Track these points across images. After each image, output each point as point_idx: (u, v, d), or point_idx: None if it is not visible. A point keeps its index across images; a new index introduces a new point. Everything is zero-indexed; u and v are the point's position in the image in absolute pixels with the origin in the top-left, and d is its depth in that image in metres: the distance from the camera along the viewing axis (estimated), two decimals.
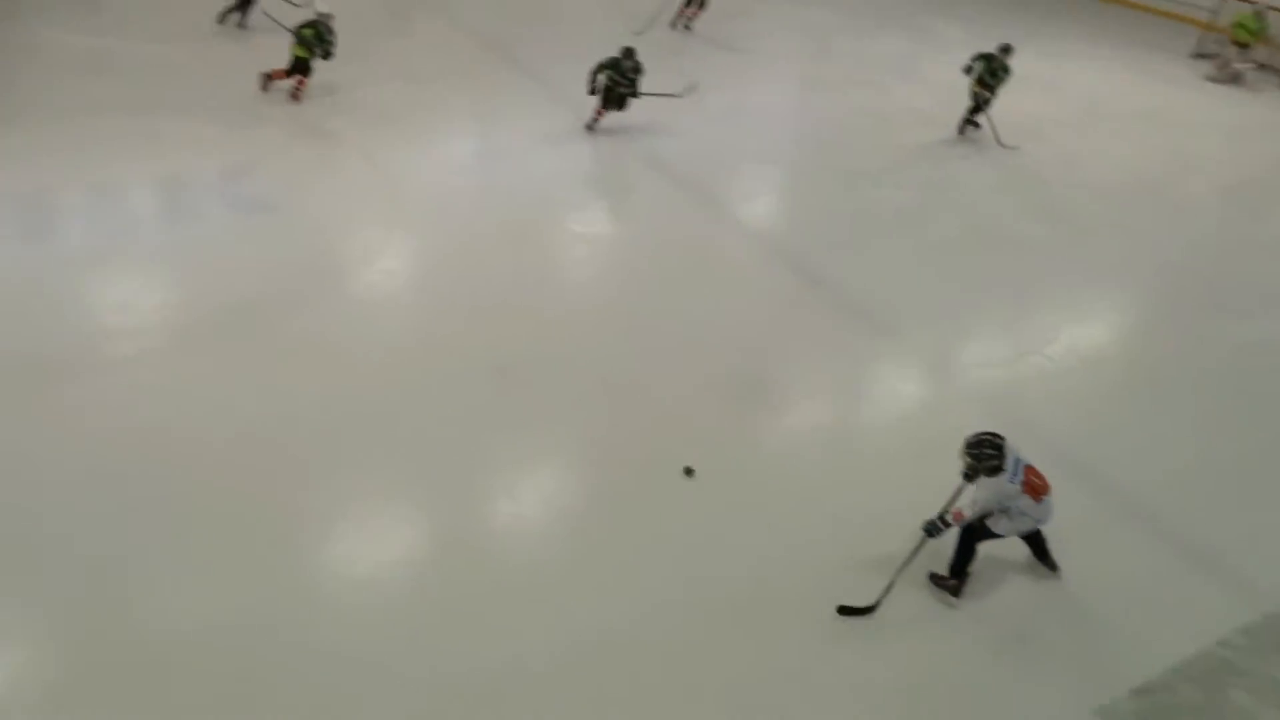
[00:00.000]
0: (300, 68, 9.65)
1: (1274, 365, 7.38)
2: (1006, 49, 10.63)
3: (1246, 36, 14.29)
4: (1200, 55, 15.20)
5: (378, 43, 11.59)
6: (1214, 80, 14.23)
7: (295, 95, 9.74)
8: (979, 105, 10.79)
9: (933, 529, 4.76)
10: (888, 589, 4.76)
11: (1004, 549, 5.05)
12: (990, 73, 10.63)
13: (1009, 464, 4.67)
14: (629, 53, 9.73)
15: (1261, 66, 14.45)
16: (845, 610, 4.75)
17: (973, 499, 4.69)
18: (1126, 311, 8.31)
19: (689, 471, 5.51)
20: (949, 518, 4.74)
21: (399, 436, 5.60)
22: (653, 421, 5.97)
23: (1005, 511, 4.76)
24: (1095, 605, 4.97)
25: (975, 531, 4.82)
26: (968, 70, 10.69)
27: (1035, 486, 4.74)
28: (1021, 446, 4.84)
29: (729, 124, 10.90)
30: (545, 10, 14.11)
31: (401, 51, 11.71)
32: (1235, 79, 14.21)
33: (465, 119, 10.40)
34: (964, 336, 7.45)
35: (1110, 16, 17.46)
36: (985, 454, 4.66)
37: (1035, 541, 5.06)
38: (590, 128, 9.98)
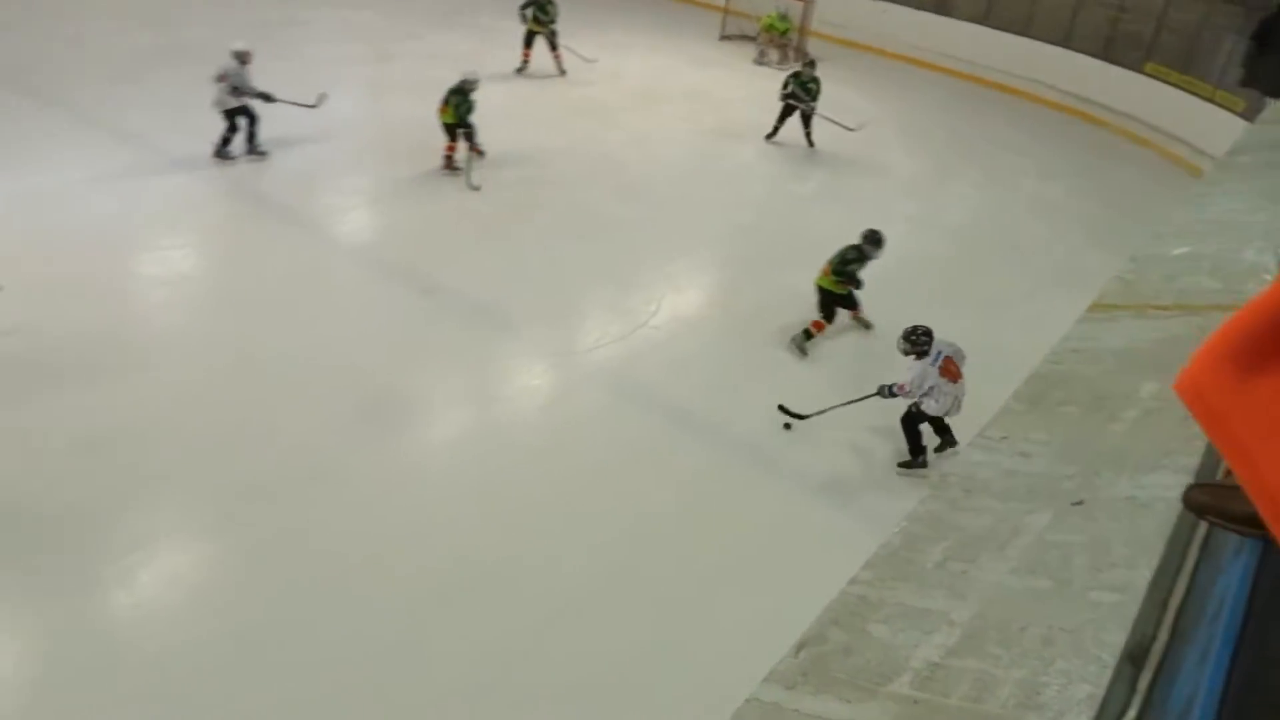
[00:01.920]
0: None
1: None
2: None
3: (778, 32, 16.68)
4: (725, 38, 17.22)
5: None
6: (757, 63, 16.34)
7: None
8: None
9: (884, 392, 6.28)
10: (824, 411, 6.30)
11: None
12: (802, 86, 11.89)
13: (933, 352, 6.20)
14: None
15: (791, 51, 16.81)
16: (784, 410, 6.51)
17: (908, 377, 6.17)
18: (712, 273, 9.20)
19: None
20: (895, 388, 6.23)
21: None
22: (286, 468, 5.54)
23: (929, 393, 6.16)
24: (750, 551, 5.52)
25: (913, 418, 6.33)
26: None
27: (950, 371, 6.21)
28: (651, 410, 5.19)
29: (304, 136, 10.36)
30: (57, 31, 12.37)
31: None
32: (769, 63, 16.45)
33: None
34: (578, 321, 7.80)
35: (645, 7, 19.00)
36: (919, 339, 6.26)
37: (940, 426, 6.46)
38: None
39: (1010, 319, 8.33)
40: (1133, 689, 1.27)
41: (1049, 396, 2.39)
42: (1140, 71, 14.98)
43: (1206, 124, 13.13)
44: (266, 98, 9.38)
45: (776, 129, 12.30)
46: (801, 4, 16.97)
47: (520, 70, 13.61)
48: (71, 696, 4.10)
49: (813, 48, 17.16)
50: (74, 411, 5.70)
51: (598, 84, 13.55)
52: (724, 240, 9.74)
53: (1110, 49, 15.72)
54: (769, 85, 15.10)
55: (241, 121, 9.35)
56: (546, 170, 10.45)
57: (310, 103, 9.78)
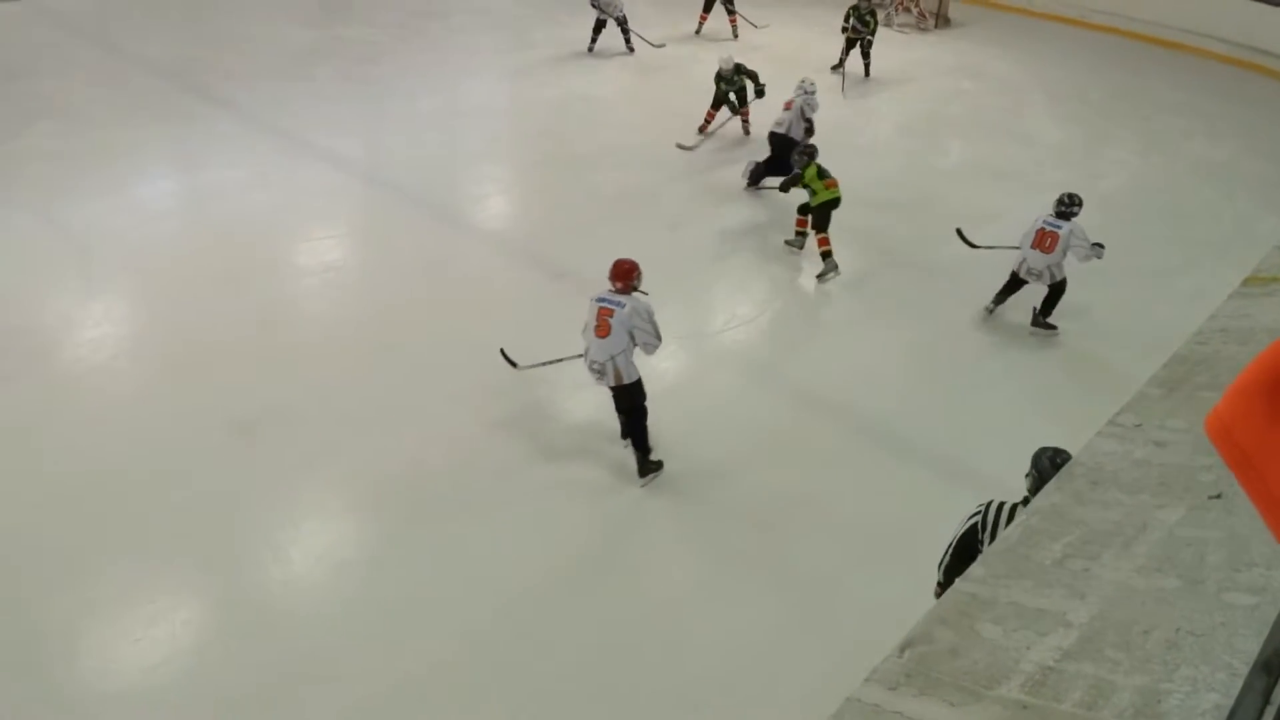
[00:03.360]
0: None
1: (979, 285, 8.25)
2: None
3: None
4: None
5: (24, 83, 10.40)
6: (886, 25, 15.75)
7: None
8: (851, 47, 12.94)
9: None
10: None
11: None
12: (860, 20, 12.77)
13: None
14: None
15: (930, 16, 16.20)
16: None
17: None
18: (844, 253, 8.99)
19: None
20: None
21: (149, 522, 5.09)
22: (420, 452, 5.79)
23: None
24: (875, 540, 5.41)
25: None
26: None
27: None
28: (781, 392, 5.10)
29: (446, 128, 10.74)
30: (226, 30, 13.22)
31: (59, 91, 10.56)
32: (903, 28, 15.97)
33: (155, 159, 9.54)
34: (707, 304, 7.78)
35: None
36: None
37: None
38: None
39: (1168, 292, 7.81)
40: (1266, 700, 1.18)
41: (1191, 380, 2.23)
42: None
43: None
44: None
45: (842, 60, 13.07)
46: None
47: (697, 31, 14.54)
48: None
49: (954, 12, 16.46)
50: (227, 395, 6.09)
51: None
52: (857, 217, 9.48)
53: None
54: (911, 55, 14.62)
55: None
56: (667, 155, 10.42)
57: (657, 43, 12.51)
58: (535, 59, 13.11)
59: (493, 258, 8.22)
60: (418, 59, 12.74)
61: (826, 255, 7.96)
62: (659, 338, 5.49)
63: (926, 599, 3.50)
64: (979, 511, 3.88)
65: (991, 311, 7.55)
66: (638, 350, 5.43)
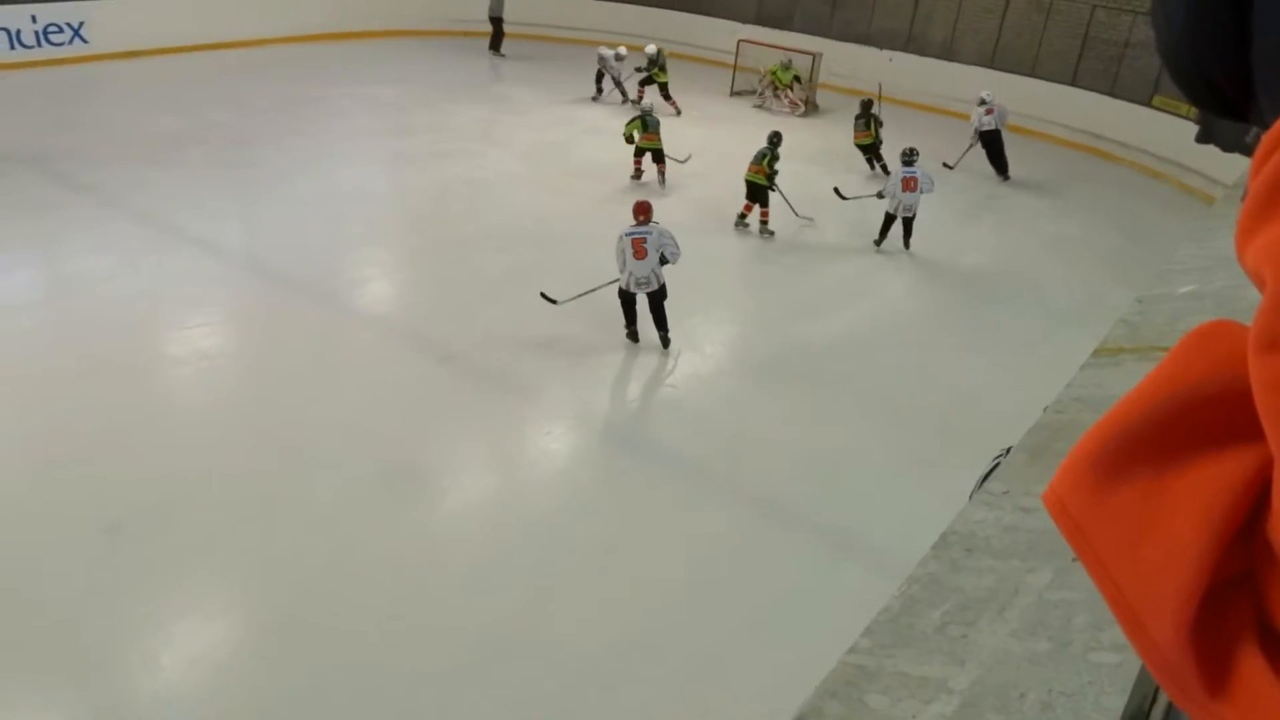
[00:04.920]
0: None
1: (854, 354, 8.56)
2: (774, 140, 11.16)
3: (781, 83, 17.08)
4: (737, 94, 17.53)
5: None
6: (756, 107, 17.04)
7: None
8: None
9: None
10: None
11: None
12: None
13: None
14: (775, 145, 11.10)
15: (801, 104, 17.20)
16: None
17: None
18: (726, 328, 9.21)
19: None
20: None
21: (3, 629, 4.69)
22: (307, 538, 5.56)
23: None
24: (751, 610, 5.44)
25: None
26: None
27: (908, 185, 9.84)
28: (669, 469, 5.15)
29: (326, 211, 10.59)
30: (90, 116, 12.80)
31: None
32: (769, 107, 16.98)
33: (10, 249, 9.04)
34: (596, 382, 7.80)
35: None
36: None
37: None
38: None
39: (1029, 362, 8.26)
40: None
41: (1051, 448, 2.36)
42: (1148, 105, 15.02)
43: (1218, 154, 13.08)
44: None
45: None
46: (810, 56, 17.25)
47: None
48: None
49: (822, 98, 17.38)
50: (99, 491, 5.75)
51: (605, 143, 13.76)
52: (737, 294, 9.78)
53: (1117, 85, 15.79)
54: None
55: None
56: (557, 231, 10.55)
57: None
58: (415, 143, 13.16)
59: (377, 342, 8.08)
60: (294, 142, 12.60)
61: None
62: (679, 249, 7.70)
63: (815, 673, 3.51)
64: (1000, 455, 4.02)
65: (878, 245, 10.79)
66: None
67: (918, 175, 10.53)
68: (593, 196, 11.70)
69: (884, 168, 13.37)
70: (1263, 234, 0.40)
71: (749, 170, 10.83)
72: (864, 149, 13.68)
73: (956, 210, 12.75)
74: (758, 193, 10.82)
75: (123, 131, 12.27)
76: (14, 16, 14.04)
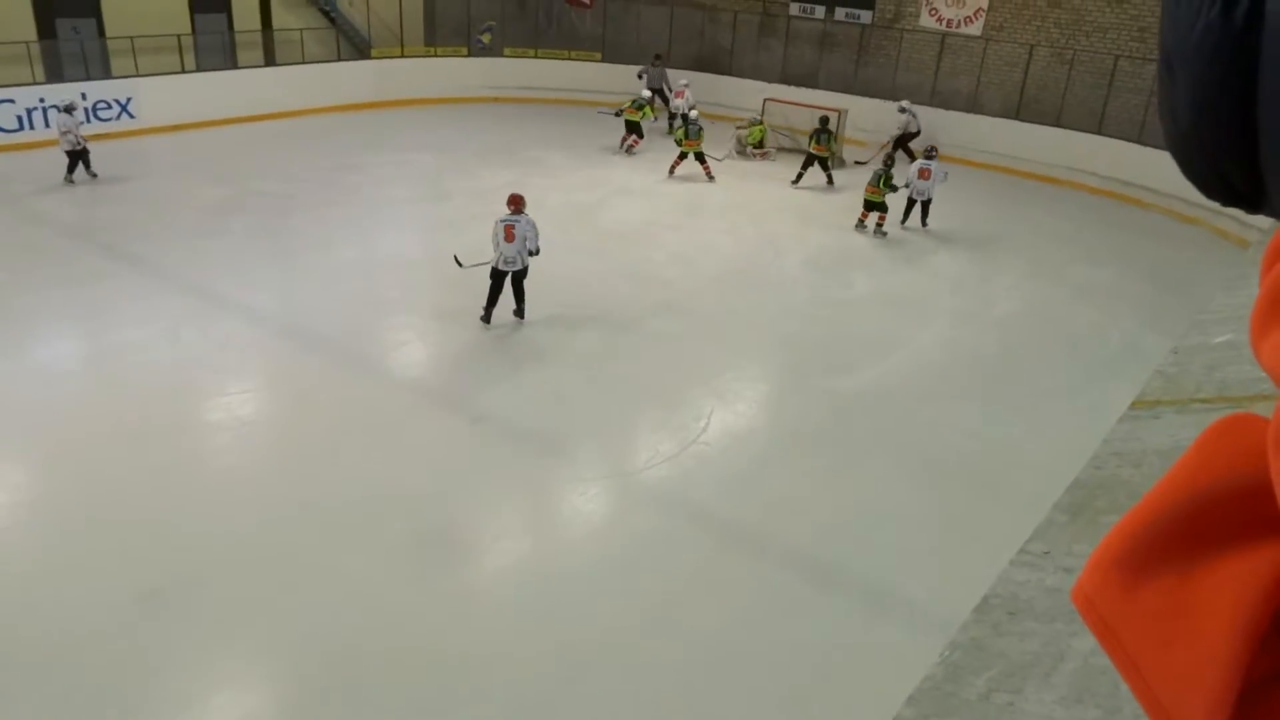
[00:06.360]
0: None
1: (887, 408, 8.51)
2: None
3: (753, 142, 17.59)
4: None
5: None
6: (731, 156, 17.35)
7: None
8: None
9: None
10: None
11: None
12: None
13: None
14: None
15: (773, 151, 17.76)
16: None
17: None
18: (759, 385, 9.21)
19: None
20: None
21: (44, 699, 4.72)
22: (343, 603, 5.57)
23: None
24: (789, 676, 5.35)
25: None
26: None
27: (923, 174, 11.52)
28: (705, 529, 5.11)
29: (364, 277, 10.79)
30: (136, 191, 13.22)
31: None
32: (747, 156, 17.55)
33: (57, 319, 9.33)
34: (628, 441, 7.81)
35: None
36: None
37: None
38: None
39: (1065, 414, 8.15)
40: None
41: (1091, 505, 2.32)
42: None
43: None
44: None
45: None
46: (836, 113, 17.43)
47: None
48: None
49: (848, 153, 17.51)
50: (138, 557, 5.82)
51: (636, 204, 13.94)
52: (771, 350, 9.78)
53: (1144, 132, 15.78)
54: (802, 195, 15.45)
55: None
56: (588, 292, 10.66)
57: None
58: (451, 208, 13.42)
59: (411, 405, 8.17)
60: (334, 211, 12.92)
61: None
62: (539, 240, 9.22)
63: None
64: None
65: (903, 225, 13.43)
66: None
67: (931, 167, 13.20)
68: (624, 256, 11.83)
69: (830, 179, 15.65)
70: (1276, 334, 0.40)
71: (867, 191, 13.10)
72: (819, 160, 15.48)
73: (985, 260, 12.73)
74: (876, 205, 13.07)
75: (167, 203, 12.66)
76: (66, 94, 14.60)
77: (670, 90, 18.98)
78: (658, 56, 19.77)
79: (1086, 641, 1.78)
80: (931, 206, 13.49)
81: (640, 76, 18.87)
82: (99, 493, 6.46)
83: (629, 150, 16.82)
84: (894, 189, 12.96)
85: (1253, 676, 0.41)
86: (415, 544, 6.16)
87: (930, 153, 13.62)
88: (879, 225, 13.29)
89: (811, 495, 7.00)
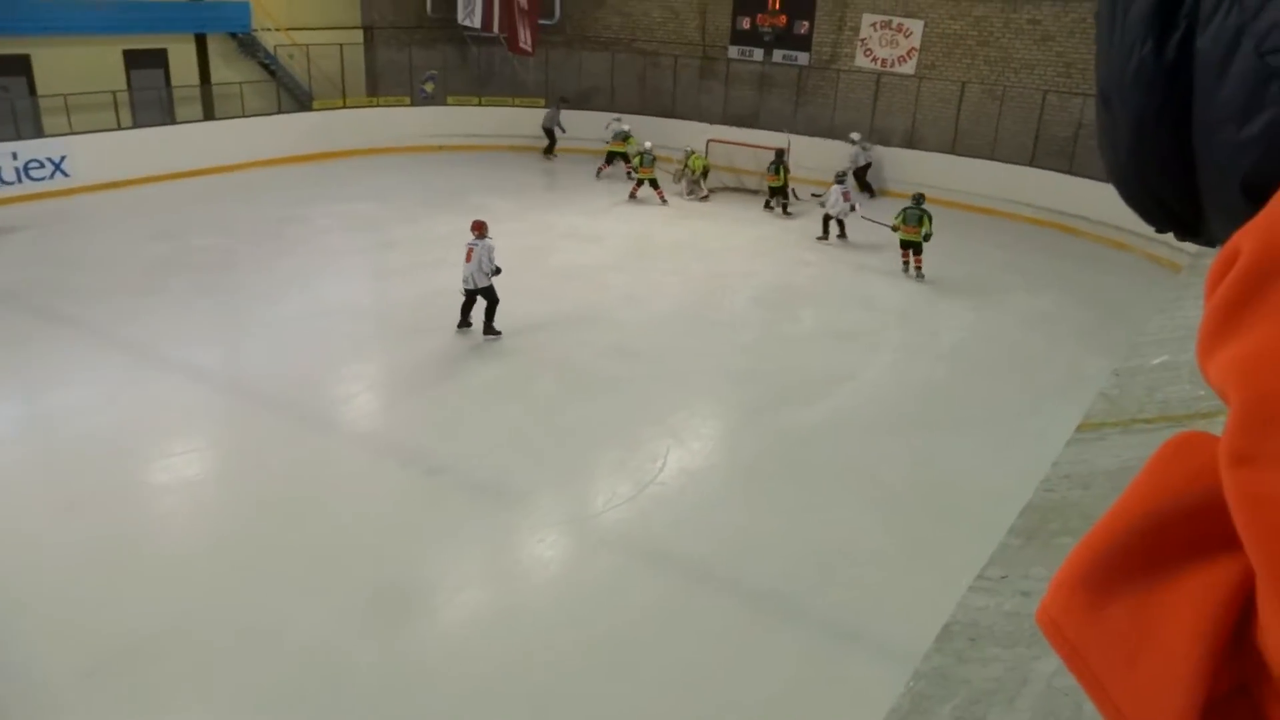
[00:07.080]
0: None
1: (841, 440, 8.57)
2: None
3: (699, 166, 17.78)
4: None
5: None
6: (685, 196, 17.66)
7: None
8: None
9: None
10: None
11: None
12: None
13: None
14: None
15: (708, 193, 17.87)
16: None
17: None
18: (713, 422, 9.22)
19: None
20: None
21: None
22: (300, 671, 5.40)
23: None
24: (753, 715, 5.30)
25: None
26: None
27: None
28: (667, 569, 5.07)
29: (310, 330, 10.64)
30: (72, 249, 12.93)
31: None
32: (700, 196, 17.70)
33: None
34: (586, 485, 7.76)
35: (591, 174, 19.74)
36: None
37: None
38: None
39: (1015, 438, 8.28)
40: None
41: (1044, 528, 2.35)
42: (1107, 180, 15.47)
43: None
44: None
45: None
46: (777, 150, 17.71)
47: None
48: None
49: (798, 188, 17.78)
50: (82, 628, 5.60)
51: (579, 249, 14.01)
52: (721, 387, 9.82)
53: (1074, 163, 16.31)
54: (754, 230, 15.66)
55: None
56: (540, 336, 10.63)
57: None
58: (397, 257, 13.34)
59: (365, 459, 8.03)
60: (279, 263, 12.76)
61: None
62: (494, 264, 10.12)
63: None
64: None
65: (821, 240, 14.91)
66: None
67: (845, 189, 15.00)
68: (574, 299, 11.84)
69: (785, 208, 16.54)
70: (1223, 352, 0.41)
71: (904, 232, 13.25)
72: (772, 190, 16.51)
73: (930, 290, 12.97)
74: (912, 244, 13.37)
75: (104, 261, 12.39)
76: None
77: (562, 130, 19.98)
78: (564, 99, 20.38)
79: (1048, 664, 1.79)
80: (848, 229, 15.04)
81: (606, 127, 19.35)
82: (34, 566, 6.21)
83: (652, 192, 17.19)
84: (929, 234, 13.09)
85: (1217, 691, 0.41)
86: (371, 603, 6.02)
87: (841, 177, 15.29)
88: (918, 269, 13.35)
89: (770, 530, 7.00)
